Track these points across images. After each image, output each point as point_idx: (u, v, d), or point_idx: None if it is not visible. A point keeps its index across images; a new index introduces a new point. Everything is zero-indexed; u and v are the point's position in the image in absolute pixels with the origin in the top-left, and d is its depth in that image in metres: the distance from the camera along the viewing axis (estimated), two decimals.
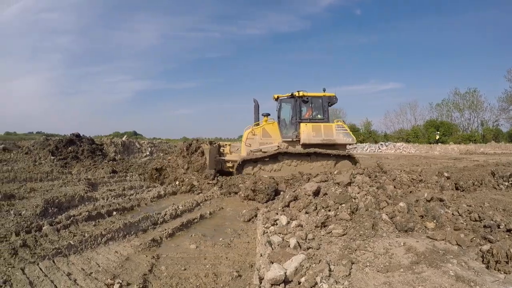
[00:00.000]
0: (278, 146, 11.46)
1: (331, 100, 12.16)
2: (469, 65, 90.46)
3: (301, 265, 3.13)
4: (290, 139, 11.78)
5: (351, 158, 11.34)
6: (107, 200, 7.39)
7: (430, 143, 40.44)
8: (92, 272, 3.66)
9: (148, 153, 20.65)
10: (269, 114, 12.27)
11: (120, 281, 3.40)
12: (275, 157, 11.22)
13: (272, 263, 3.25)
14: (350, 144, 12.33)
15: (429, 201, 4.89)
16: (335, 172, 8.14)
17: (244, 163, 11.21)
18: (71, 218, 5.50)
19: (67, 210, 6.35)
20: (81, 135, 17.02)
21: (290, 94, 12.05)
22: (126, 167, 14.05)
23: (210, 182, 9.63)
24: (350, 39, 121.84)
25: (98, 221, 5.67)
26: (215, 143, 12.37)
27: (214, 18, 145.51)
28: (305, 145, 11.40)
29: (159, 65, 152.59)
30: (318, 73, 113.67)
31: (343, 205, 4.89)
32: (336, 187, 5.65)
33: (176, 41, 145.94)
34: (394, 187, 5.64)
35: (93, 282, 3.43)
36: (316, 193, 5.60)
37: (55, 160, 13.61)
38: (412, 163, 17.74)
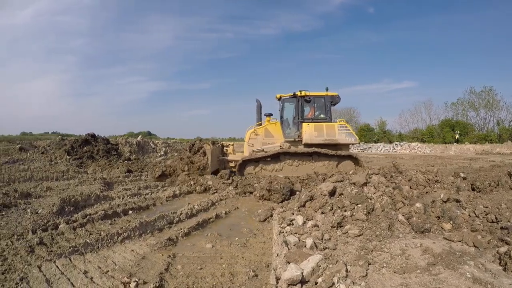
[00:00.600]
0: (280, 146, 11.41)
1: (334, 100, 11.98)
2: (485, 63, 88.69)
3: (318, 266, 3.12)
4: (292, 139, 11.70)
5: (353, 159, 11.19)
6: (122, 199, 7.44)
7: (448, 143, 39.75)
8: (108, 271, 3.68)
9: (162, 153, 20.77)
10: (271, 114, 12.25)
11: (137, 280, 3.40)
12: (276, 157, 11.16)
13: (289, 263, 3.24)
14: (352, 144, 12.21)
15: (445, 202, 4.82)
16: (350, 172, 8.08)
17: (246, 162, 11.20)
18: (87, 217, 5.54)
19: (83, 208, 6.41)
20: (96, 135, 17.22)
21: (292, 93, 11.97)
22: (141, 166, 14.15)
23: (225, 181, 9.64)
24: (363, 37, 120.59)
25: (114, 220, 5.71)
26: (218, 143, 12.50)
27: (227, 18, 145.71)
28: (307, 145, 11.29)
29: (173, 66, 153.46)
30: (331, 72, 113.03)
31: (359, 205, 4.86)
32: (352, 187, 5.60)
33: (190, 42, 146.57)
34: (410, 187, 5.58)
35: (109, 280, 3.44)
36: (332, 193, 5.56)
37: (70, 159, 13.80)
38: (427, 163, 17.51)
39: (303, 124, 11.52)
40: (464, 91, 56.10)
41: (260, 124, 12.13)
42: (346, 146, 11.62)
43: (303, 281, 2.94)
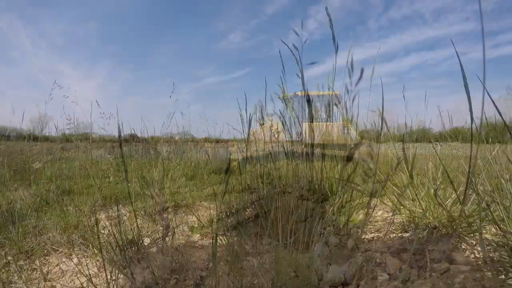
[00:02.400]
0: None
1: (336, 99, 11.66)
2: None
3: (361, 268, 3.00)
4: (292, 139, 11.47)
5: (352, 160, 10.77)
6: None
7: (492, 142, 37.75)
8: (148, 266, 3.68)
9: None
10: (273, 114, 12.09)
11: (177, 277, 3.38)
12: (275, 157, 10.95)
13: (330, 265, 3.14)
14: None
15: None
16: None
17: (244, 161, 11.06)
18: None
19: (125, 206, 6.50)
20: (136, 135, 17.54)
21: (293, 93, 11.73)
22: None
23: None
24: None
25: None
26: (222, 142, 12.69)
27: (263, 20, 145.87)
28: (306, 145, 11.01)
29: (207, 67, 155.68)
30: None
31: None
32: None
33: (223, 42, 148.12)
34: None
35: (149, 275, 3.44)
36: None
37: (111, 158, 14.12)
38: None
39: (303, 124, 11.25)
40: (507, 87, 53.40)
41: (262, 124, 12.02)
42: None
43: (344, 283, 2.84)
